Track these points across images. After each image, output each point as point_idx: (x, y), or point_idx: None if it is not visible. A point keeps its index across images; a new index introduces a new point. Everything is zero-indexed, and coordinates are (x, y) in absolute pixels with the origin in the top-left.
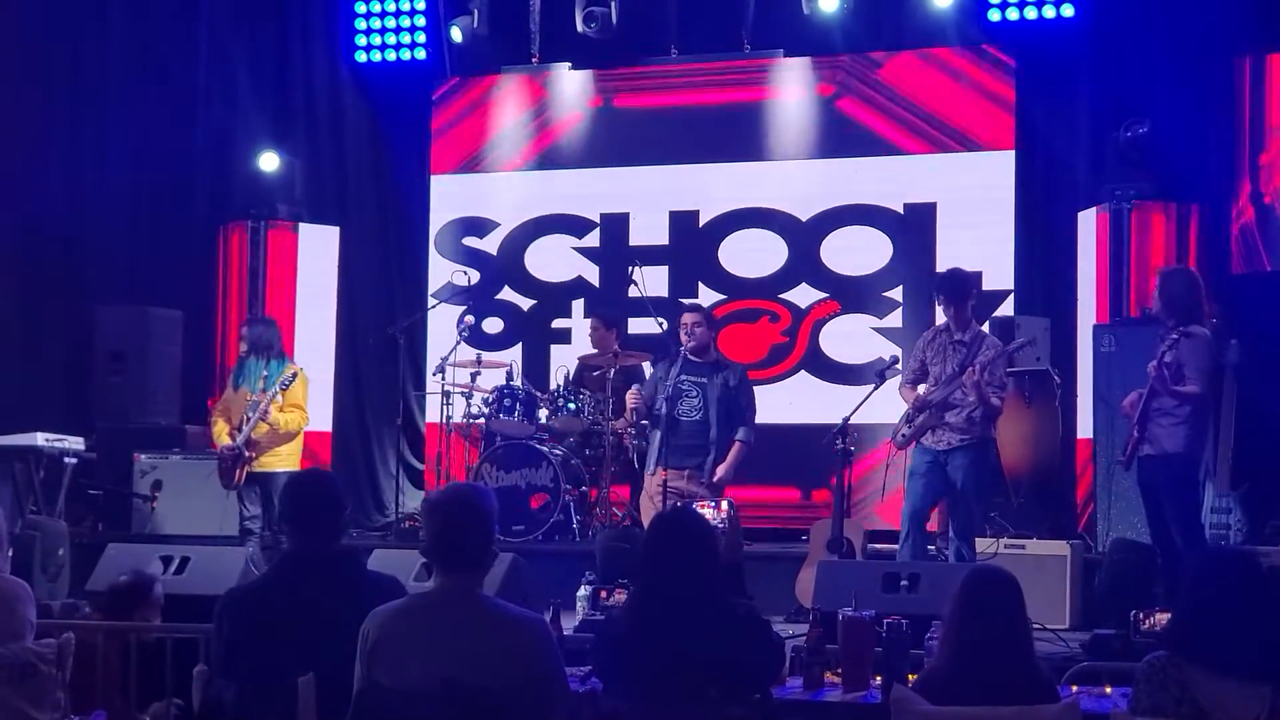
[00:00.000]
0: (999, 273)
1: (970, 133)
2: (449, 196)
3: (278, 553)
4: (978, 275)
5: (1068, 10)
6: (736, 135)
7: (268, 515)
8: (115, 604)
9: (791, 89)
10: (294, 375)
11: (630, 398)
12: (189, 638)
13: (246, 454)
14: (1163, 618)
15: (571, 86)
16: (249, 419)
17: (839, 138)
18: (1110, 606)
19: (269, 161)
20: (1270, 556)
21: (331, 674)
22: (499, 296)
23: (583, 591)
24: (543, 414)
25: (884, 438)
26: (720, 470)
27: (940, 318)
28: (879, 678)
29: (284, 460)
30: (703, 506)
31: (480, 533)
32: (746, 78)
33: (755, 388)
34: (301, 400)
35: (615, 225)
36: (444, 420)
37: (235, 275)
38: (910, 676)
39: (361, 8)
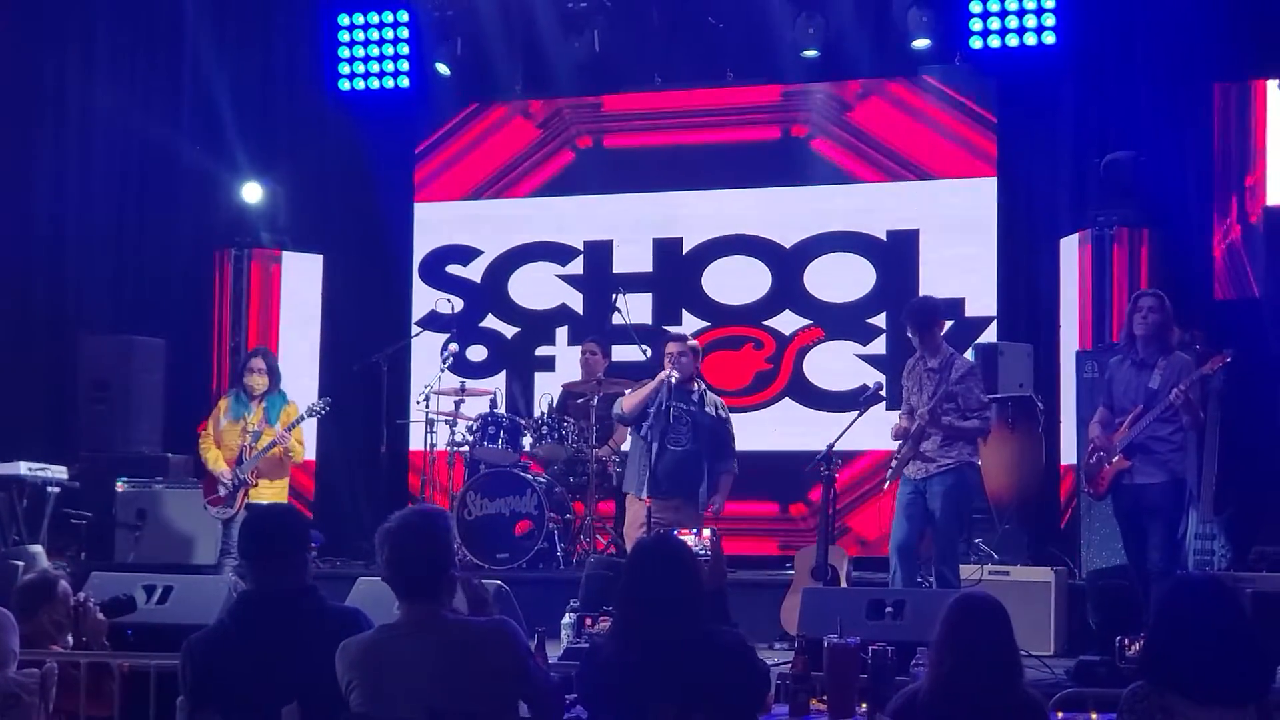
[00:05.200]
0: (982, 299)
1: (952, 159)
2: (432, 224)
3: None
4: (958, 301)
5: (1049, 38)
6: (720, 164)
7: None
8: (23, 602)
9: (775, 118)
10: (328, 405)
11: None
12: (172, 668)
13: (251, 481)
14: None
15: (557, 119)
16: (253, 449)
17: (821, 165)
18: (1095, 632)
19: (252, 193)
20: (1255, 582)
21: (306, 711)
22: (482, 324)
23: (567, 619)
24: (527, 441)
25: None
26: (718, 502)
27: None
28: (864, 705)
29: (279, 493)
30: (684, 533)
31: (436, 557)
32: (732, 114)
33: (739, 415)
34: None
35: (599, 252)
36: (428, 448)
37: (219, 303)
38: None
39: (345, 36)
